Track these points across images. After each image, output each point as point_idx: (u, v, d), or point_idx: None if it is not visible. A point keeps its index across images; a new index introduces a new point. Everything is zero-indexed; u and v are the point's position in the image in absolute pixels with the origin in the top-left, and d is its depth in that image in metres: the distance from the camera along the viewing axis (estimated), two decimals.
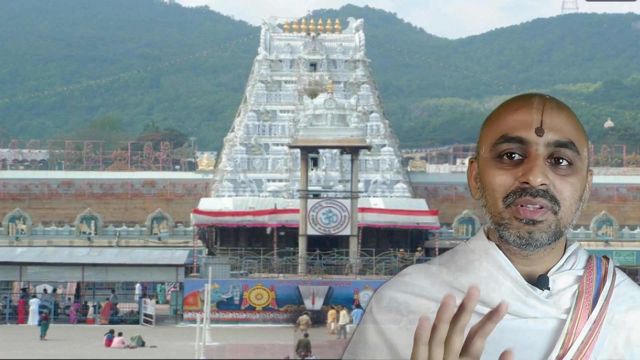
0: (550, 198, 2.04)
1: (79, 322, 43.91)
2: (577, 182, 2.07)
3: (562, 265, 2.12)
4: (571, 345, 2.02)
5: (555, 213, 2.04)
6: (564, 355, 2.02)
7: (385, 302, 2.13)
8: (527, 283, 2.07)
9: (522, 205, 2.04)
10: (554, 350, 2.02)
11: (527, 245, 2.05)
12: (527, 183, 2.03)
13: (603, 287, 2.09)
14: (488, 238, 2.14)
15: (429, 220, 54.11)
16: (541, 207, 2.04)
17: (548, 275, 2.09)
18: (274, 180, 59.69)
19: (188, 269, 46.96)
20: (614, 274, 2.12)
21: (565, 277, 2.10)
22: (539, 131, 2.05)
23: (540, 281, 2.08)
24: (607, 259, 2.17)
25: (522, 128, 2.06)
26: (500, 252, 2.09)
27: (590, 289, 2.08)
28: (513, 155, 2.06)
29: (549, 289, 2.08)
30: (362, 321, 2.16)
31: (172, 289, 47.28)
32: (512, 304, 2.04)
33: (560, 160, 2.05)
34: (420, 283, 2.12)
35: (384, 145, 60.53)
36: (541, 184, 2.03)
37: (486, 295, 2.05)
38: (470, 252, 2.14)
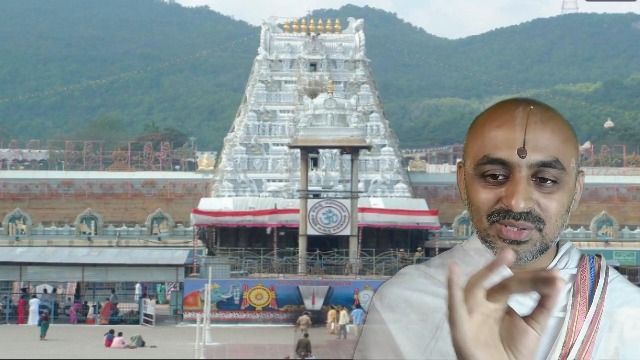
0: (534, 219, 2.02)
1: (79, 322, 43.92)
2: (563, 196, 2.04)
3: (555, 265, 2.12)
4: (573, 343, 2.03)
5: (540, 230, 2.03)
6: (567, 354, 2.03)
7: (388, 299, 2.15)
8: None
9: (505, 226, 2.02)
10: (556, 349, 2.03)
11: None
12: (510, 208, 2.01)
13: (597, 284, 2.10)
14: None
15: (429, 220, 54.10)
16: (524, 228, 2.02)
17: None
18: (274, 180, 59.70)
19: (188, 269, 46.97)
20: (607, 271, 2.13)
21: None
22: (522, 152, 2.01)
23: None
24: (599, 257, 2.18)
25: (505, 148, 2.02)
26: (494, 254, 2.09)
27: (585, 286, 2.09)
28: (497, 175, 2.04)
29: None
30: (367, 320, 2.17)
31: (172, 289, 47.27)
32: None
33: (546, 179, 2.03)
34: (418, 280, 2.14)
35: (384, 145, 60.54)
36: (525, 209, 2.01)
37: None
38: (466, 255, 2.15)
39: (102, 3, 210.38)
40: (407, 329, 2.10)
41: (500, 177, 2.03)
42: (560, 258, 2.14)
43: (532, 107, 2.06)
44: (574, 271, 2.12)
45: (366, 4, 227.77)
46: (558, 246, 2.16)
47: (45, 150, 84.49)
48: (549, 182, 2.03)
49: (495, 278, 1.74)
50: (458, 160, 2.16)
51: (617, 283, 2.13)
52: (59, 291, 50.03)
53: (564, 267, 2.12)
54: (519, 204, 1.99)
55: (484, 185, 2.05)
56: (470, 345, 1.68)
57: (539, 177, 2.02)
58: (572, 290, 2.09)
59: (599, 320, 2.06)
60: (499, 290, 1.69)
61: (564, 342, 2.03)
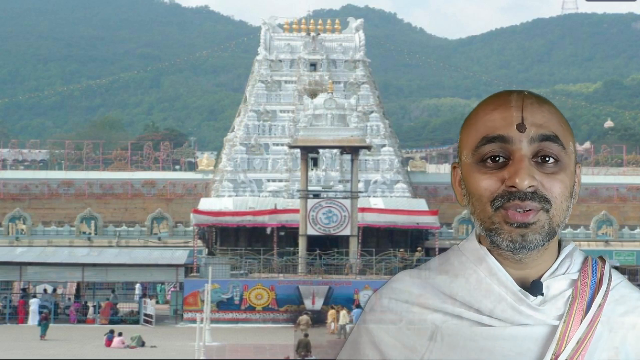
0: (540, 199, 1.97)
1: (79, 322, 43.89)
2: (566, 178, 2.00)
3: (556, 269, 2.06)
4: (563, 350, 1.97)
5: (548, 211, 1.98)
6: None
7: (377, 308, 2.11)
8: (519, 289, 2.01)
9: (511, 209, 1.97)
10: (545, 357, 1.97)
11: (521, 249, 1.99)
12: (514, 186, 1.96)
13: (598, 291, 2.02)
14: (479, 242, 2.08)
15: (429, 220, 54.08)
16: (531, 210, 1.97)
17: (542, 280, 2.04)
18: (274, 180, 59.68)
19: (188, 269, 46.95)
20: (610, 277, 2.06)
21: (559, 282, 2.04)
22: (521, 127, 1.97)
23: (533, 287, 2.02)
24: (603, 260, 2.11)
25: (503, 126, 1.99)
26: (492, 257, 2.04)
27: (585, 293, 2.02)
28: (497, 158, 1.99)
29: (542, 294, 2.02)
30: (356, 325, 2.14)
31: (172, 289, 47.26)
32: (504, 311, 2.00)
33: (547, 158, 1.99)
34: (411, 290, 2.09)
35: (384, 145, 60.52)
36: (529, 186, 1.96)
37: (477, 302, 2.02)
38: (462, 256, 2.09)
39: (102, 3, 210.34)
40: (399, 342, 2.05)
41: (500, 160, 1.99)
42: (562, 262, 2.07)
43: (526, 92, 2.04)
44: (575, 276, 2.06)
45: (366, 4, 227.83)
46: (560, 246, 2.09)
47: (45, 150, 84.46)
48: (550, 161, 1.99)
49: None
50: (453, 162, 2.12)
51: (621, 289, 2.06)
52: (59, 291, 50.01)
53: (565, 272, 2.06)
54: (524, 181, 1.95)
55: (483, 171, 2.00)
56: None
57: (541, 155, 1.98)
58: (570, 296, 2.02)
59: (595, 328, 1.99)
60: None
61: (555, 349, 1.97)
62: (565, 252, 2.09)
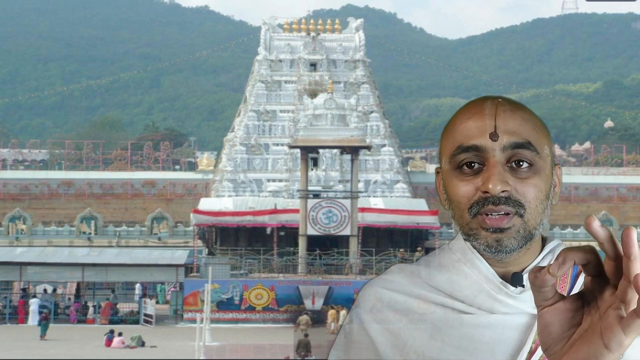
0: (514, 203, 2.01)
1: (79, 322, 43.92)
2: (540, 182, 2.03)
3: (538, 263, 2.10)
4: None
5: (522, 216, 2.02)
6: (535, 349, 2.01)
7: (367, 300, 2.16)
8: (499, 279, 2.06)
9: (487, 214, 2.02)
10: (526, 345, 2.01)
11: (498, 253, 2.04)
12: (488, 192, 2.01)
13: (578, 282, 2.06)
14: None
15: (429, 220, 54.09)
16: (506, 214, 2.01)
17: (523, 273, 2.08)
18: (274, 180, 59.69)
19: (188, 269, 46.96)
20: None
21: None
22: (494, 136, 2.02)
23: (514, 278, 2.07)
24: None
25: (477, 135, 2.03)
26: (475, 251, 2.09)
27: (565, 284, 2.06)
28: (472, 164, 2.04)
29: (523, 286, 2.06)
30: (347, 320, 2.19)
31: (172, 289, 47.28)
32: (484, 301, 2.05)
33: (520, 163, 2.02)
34: (400, 280, 2.15)
35: (384, 145, 60.54)
36: (502, 191, 2.00)
37: (459, 291, 2.08)
38: (449, 252, 2.16)
39: (102, 3, 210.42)
40: (385, 329, 2.11)
41: (475, 166, 2.03)
42: (544, 257, 2.10)
43: (500, 99, 2.09)
44: None
45: (366, 4, 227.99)
46: (545, 243, 2.13)
47: (45, 150, 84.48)
48: (524, 166, 2.02)
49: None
50: (436, 166, 2.18)
51: None
52: (59, 291, 50.02)
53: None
54: (496, 186, 1.99)
55: (460, 178, 2.05)
56: None
57: (514, 160, 2.01)
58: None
59: None
60: None
61: (535, 338, 2.01)
62: (548, 248, 2.13)
